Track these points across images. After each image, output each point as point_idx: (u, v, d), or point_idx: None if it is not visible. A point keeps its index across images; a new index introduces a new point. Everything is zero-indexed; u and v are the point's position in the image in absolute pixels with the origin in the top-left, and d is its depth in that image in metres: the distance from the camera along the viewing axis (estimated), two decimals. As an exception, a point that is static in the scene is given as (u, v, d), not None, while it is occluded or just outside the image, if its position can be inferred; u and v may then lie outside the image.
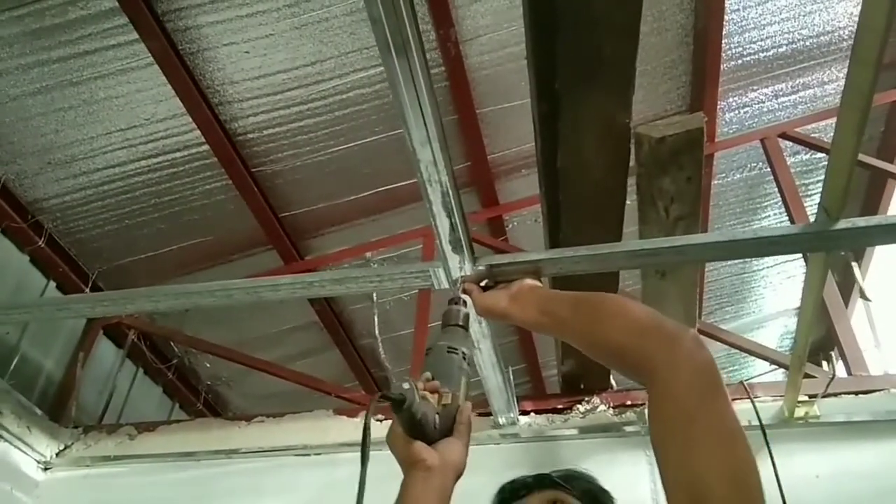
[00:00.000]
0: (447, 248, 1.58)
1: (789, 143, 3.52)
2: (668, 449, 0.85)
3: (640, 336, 1.01)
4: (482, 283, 1.53)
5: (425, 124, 1.35)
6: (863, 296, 2.38)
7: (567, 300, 1.26)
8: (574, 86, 1.54)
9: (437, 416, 1.02)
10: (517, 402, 2.52)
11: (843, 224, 1.52)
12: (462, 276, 1.58)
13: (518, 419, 2.52)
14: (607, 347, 1.08)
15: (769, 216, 4.34)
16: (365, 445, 0.88)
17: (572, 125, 1.63)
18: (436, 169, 1.44)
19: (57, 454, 2.84)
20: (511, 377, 2.41)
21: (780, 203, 3.80)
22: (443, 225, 1.54)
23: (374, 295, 3.83)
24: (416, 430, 1.00)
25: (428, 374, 1.10)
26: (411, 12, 1.21)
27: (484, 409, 2.50)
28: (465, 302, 1.40)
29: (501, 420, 2.50)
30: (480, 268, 1.56)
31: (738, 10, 3.21)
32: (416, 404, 0.97)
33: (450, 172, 1.45)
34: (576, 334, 1.20)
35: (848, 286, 4.18)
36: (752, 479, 0.80)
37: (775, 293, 4.99)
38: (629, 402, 2.49)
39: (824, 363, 4.65)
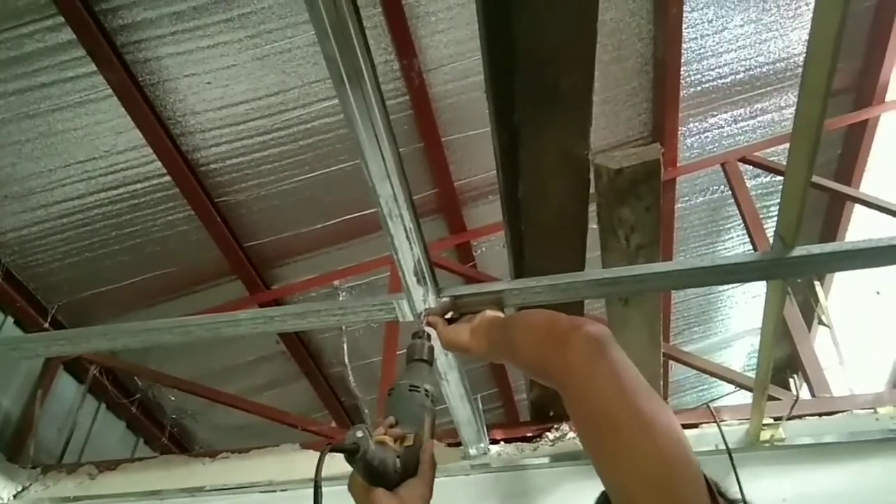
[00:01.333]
0: (411, 280, 1.58)
1: (749, 167, 3.59)
2: (590, 458, 0.81)
3: (538, 347, 0.98)
4: (447, 316, 1.52)
5: (383, 160, 1.35)
6: (821, 321, 2.41)
7: (501, 325, 1.25)
8: (532, 119, 1.56)
9: (397, 459, 1.00)
10: (487, 430, 2.50)
11: (798, 251, 1.56)
12: (426, 309, 1.58)
13: (489, 449, 2.50)
14: (524, 366, 1.07)
15: (732, 237, 4.41)
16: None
17: (532, 157, 1.64)
18: (396, 203, 1.44)
19: (14, 496, 2.75)
20: (480, 406, 2.40)
21: (743, 224, 3.88)
22: (405, 258, 1.54)
23: (344, 325, 3.80)
24: (375, 477, 0.98)
25: (391, 419, 1.09)
26: (365, 50, 1.21)
27: (453, 439, 2.47)
28: (429, 335, 1.39)
29: (472, 451, 2.48)
30: (444, 300, 1.56)
31: (696, 38, 3.28)
32: (371, 451, 0.95)
33: (410, 206, 1.45)
34: (510, 359, 1.19)
35: (811, 305, 4.25)
36: (677, 472, 0.73)
37: (741, 312, 5.06)
38: (598, 429, 2.48)
39: (791, 380, 4.71)
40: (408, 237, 1.49)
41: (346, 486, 1.00)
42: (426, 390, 1.17)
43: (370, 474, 0.98)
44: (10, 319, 3.26)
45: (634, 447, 0.75)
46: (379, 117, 1.28)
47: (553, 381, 0.93)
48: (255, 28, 2.70)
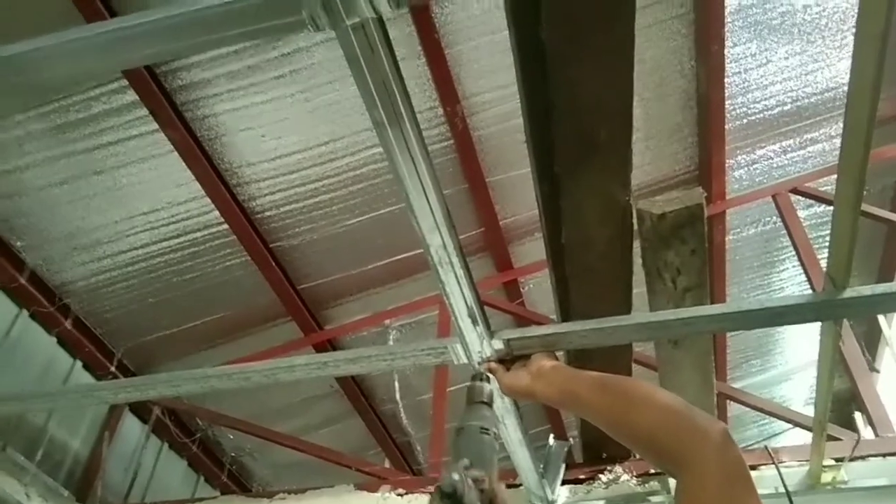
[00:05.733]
0: (465, 325, 1.60)
1: (802, 198, 3.53)
2: None
3: (671, 427, 1.03)
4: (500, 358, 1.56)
5: (432, 213, 1.39)
6: (871, 367, 2.35)
7: (591, 382, 1.29)
8: (573, 168, 1.59)
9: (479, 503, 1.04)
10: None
11: (849, 293, 1.53)
12: (483, 359, 1.61)
13: (557, 497, 2.42)
14: (635, 434, 1.11)
15: (787, 268, 4.31)
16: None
17: (574, 204, 1.67)
18: (446, 252, 1.47)
19: (82, 536, 2.86)
20: (564, 453, 2.35)
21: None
22: (457, 303, 1.57)
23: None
24: None
25: (465, 461, 1.12)
26: (411, 115, 1.27)
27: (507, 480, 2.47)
28: (488, 378, 1.43)
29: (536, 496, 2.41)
30: (500, 348, 1.59)
31: (739, 72, 3.27)
32: (467, 495, 1.00)
33: (459, 254, 1.48)
34: (601, 416, 1.23)
35: (875, 338, 4.11)
36: None
37: (800, 344, 4.90)
38: (652, 471, 2.45)
39: (856, 416, 4.53)
40: (458, 283, 1.52)
41: None
42: (494, 433, 1.21)
43: None
44: (79, 364, 3.42)
45: None
46: (427, 175, 1.33)
47: (672, 463, 0.98)
48: (306, 83, 2.83)
